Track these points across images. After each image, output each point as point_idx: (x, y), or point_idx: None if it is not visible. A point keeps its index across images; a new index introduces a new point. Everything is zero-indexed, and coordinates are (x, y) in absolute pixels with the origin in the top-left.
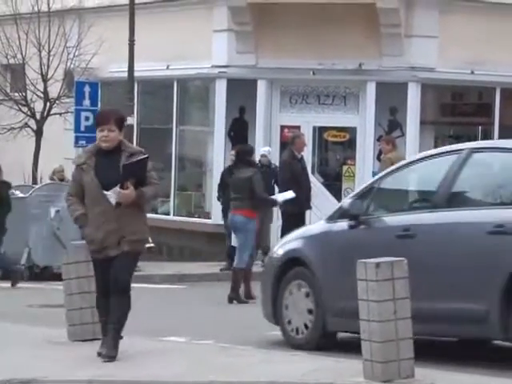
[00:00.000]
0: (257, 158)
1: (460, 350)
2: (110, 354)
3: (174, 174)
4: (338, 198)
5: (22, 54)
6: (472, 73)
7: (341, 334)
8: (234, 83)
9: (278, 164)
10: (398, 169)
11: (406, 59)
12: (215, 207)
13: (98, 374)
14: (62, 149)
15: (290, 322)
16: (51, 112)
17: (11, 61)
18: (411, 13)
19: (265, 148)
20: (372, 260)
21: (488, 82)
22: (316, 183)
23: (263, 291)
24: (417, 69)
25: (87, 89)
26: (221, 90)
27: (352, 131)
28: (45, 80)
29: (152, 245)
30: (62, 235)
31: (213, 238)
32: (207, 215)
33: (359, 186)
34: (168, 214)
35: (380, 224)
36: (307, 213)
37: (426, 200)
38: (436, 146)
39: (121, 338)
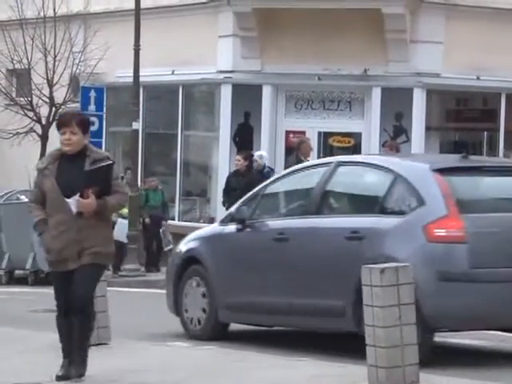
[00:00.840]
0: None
1: (464, 356)
2: (79, 373)
3: (179, 179)
4: None
5: (27, 59)
6: (477, 78)
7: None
8: (239, 88)
9: (274, 168)
10: (278, 178)
11: (412, 65)
12: (220, 212)
13: (101, 379)
14: None
15: (188, 315)
16: (56, 117)
17: (17, 66)
18: (416, 18)
19: (257, 152)
20: (377, 266)
21: (493, 88)
22: None
23: (167, 285)
24: (422, 74)
25: (93, 94)
26: (226, 95)
27: (357, 137)
28: (50, 85)
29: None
30: None
31: None
32: (212, 220)
33: None
34: (173, 219)
35: (261, 228)
36: None
37: (299, 207)
38: (441, 152)
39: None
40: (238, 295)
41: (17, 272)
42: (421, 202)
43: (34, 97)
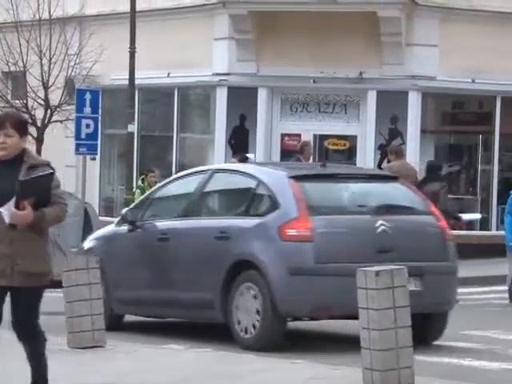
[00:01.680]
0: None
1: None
2: None
3: None
4: None
5: (23, 61)
6: (472, 81)
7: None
8: (235, 91)
9: None
10: (166, 183)
11: (407, 68)
12: None
13: (98, 382)
14: (62, 156)
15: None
16: (52, 119)
17: (12, 68)
18: (412, 22)
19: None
20: (372, 268)
21: (488, 91)
22: None
23: None
24: (417, 77)
25: (88, 96)
26: (221, 97)
27: (352, 139)
28: (46, 87)
29: None
30: (63, 243)
31: None
32: None
33: None
34: None
35: (149, 229)
36: None
37: (180, 210)
38: (437, 155)
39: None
40: (129, 289)
41: None
42: (277, 205)
43: (29, 99)
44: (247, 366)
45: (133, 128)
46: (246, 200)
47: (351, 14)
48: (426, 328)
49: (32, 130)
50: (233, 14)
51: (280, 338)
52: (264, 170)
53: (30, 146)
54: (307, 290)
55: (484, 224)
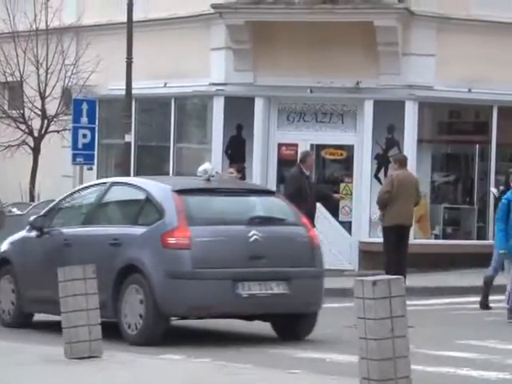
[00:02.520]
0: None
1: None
2: None
3: None
4: (336, 215)
5: (19, 71)
6: (469, 91)
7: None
8: (232, 101)
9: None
10: (70, 194)
11: (404, 77)
12: None
13: None
14: (59, 166)
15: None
16: (49, 129)
17: (9, 78)
18: (409, 31)
19: (201, 167)
20: (369, 278)
21: (485, 101)
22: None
23: None
24: (414, 87)
25: (85, 106)
26: (218, 107)
27: (349, 149)
28: (43, 97)
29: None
30: None
31: None
32: None
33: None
34: None
35: (54, 235)
36: None
37: (81, 218)
38: (433, 164)
39: None
40: (36, 290)
41: None
42: (161, 215)
43: (26, 109)
44: (246, 376)
45: (130, 138)
46: (136, 210)
47: (348, 23)
48: (298, 326)
49: (29, 140)
50: (229, 24)
51: (161, 335)
52: (152, 184)
53: (27, 156)
54: (185, 291)
55: (481, 233)
